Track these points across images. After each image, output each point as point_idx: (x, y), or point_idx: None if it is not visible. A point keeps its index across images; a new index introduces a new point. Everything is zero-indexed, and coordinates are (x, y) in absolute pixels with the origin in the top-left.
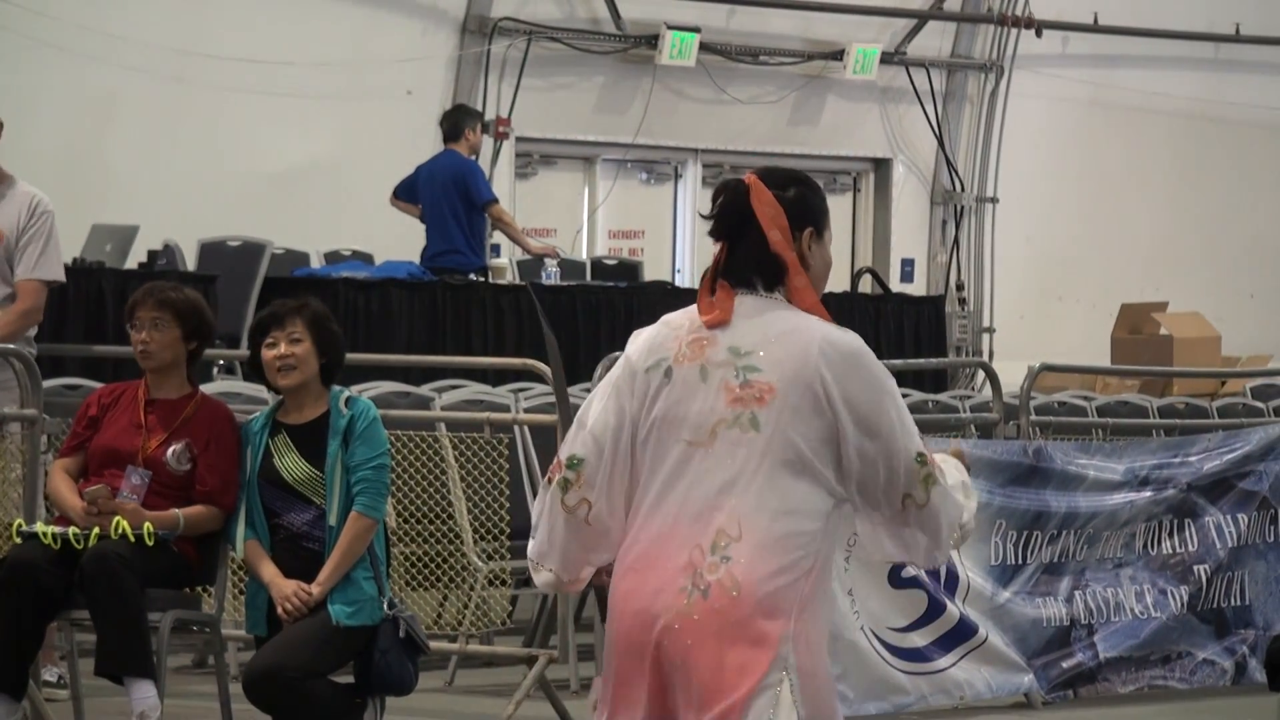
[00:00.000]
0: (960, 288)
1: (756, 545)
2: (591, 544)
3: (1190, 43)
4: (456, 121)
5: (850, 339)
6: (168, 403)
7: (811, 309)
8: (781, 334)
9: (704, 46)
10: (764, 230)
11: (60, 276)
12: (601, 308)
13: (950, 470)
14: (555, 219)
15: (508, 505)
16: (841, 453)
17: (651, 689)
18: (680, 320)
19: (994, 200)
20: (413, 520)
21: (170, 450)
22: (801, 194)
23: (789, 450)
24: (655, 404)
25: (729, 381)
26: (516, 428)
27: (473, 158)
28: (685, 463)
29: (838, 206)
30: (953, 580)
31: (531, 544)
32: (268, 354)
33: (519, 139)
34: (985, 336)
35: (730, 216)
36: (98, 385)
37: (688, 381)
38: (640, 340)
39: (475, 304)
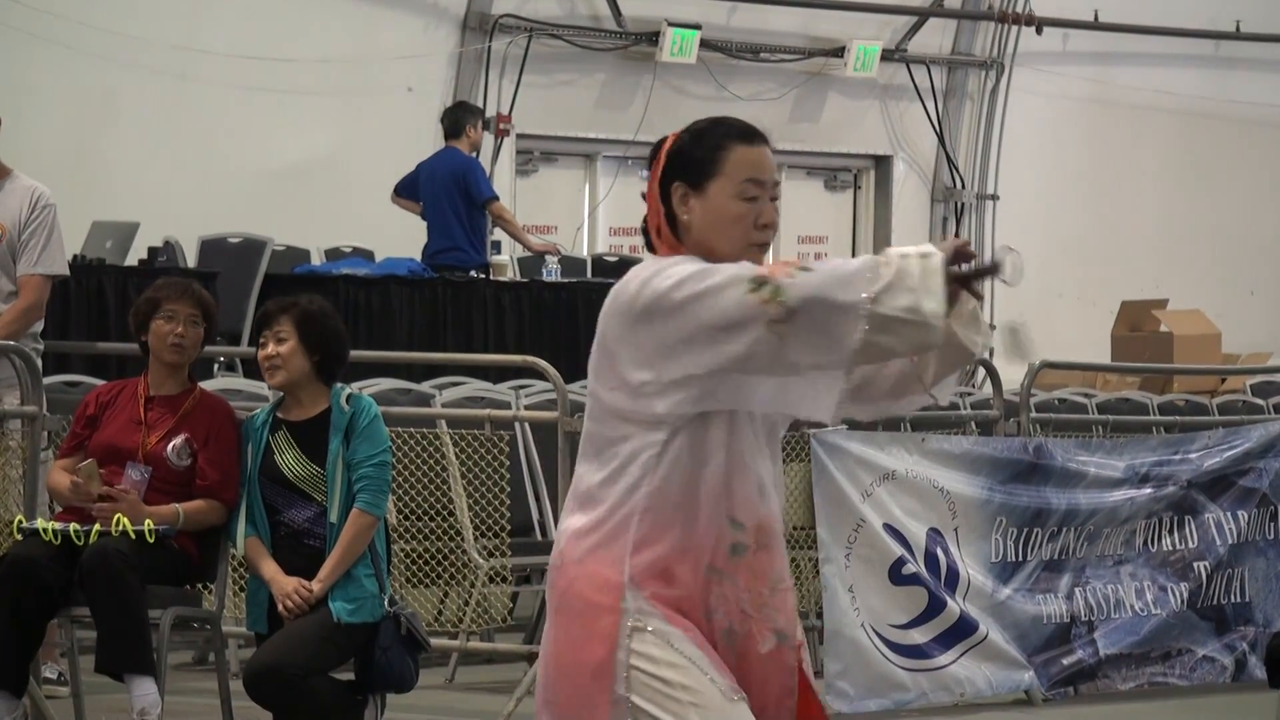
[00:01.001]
0: None
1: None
2: None
3: (1191, 40)
4: (457, 118)
5: (627, 279)
6: (167, 399)
7: None
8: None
9: (705, 44)
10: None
11: (64, 270)
12: (602, 305)
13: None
14: (556, 216)
15: (508, 502)
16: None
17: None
18: None
19: (994, 197)
20: (413, 517)
21: (170, 445)
22: (677, 146)
23: (590, 406)
24: None
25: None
26: (517, 425)
27: (473, 155)
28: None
29: (838, 204)
30: (953, 577)
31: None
32: (259, 354)
33: (520, 136)
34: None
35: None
36: (99, 382)
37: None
38: None
39: (476, 301)
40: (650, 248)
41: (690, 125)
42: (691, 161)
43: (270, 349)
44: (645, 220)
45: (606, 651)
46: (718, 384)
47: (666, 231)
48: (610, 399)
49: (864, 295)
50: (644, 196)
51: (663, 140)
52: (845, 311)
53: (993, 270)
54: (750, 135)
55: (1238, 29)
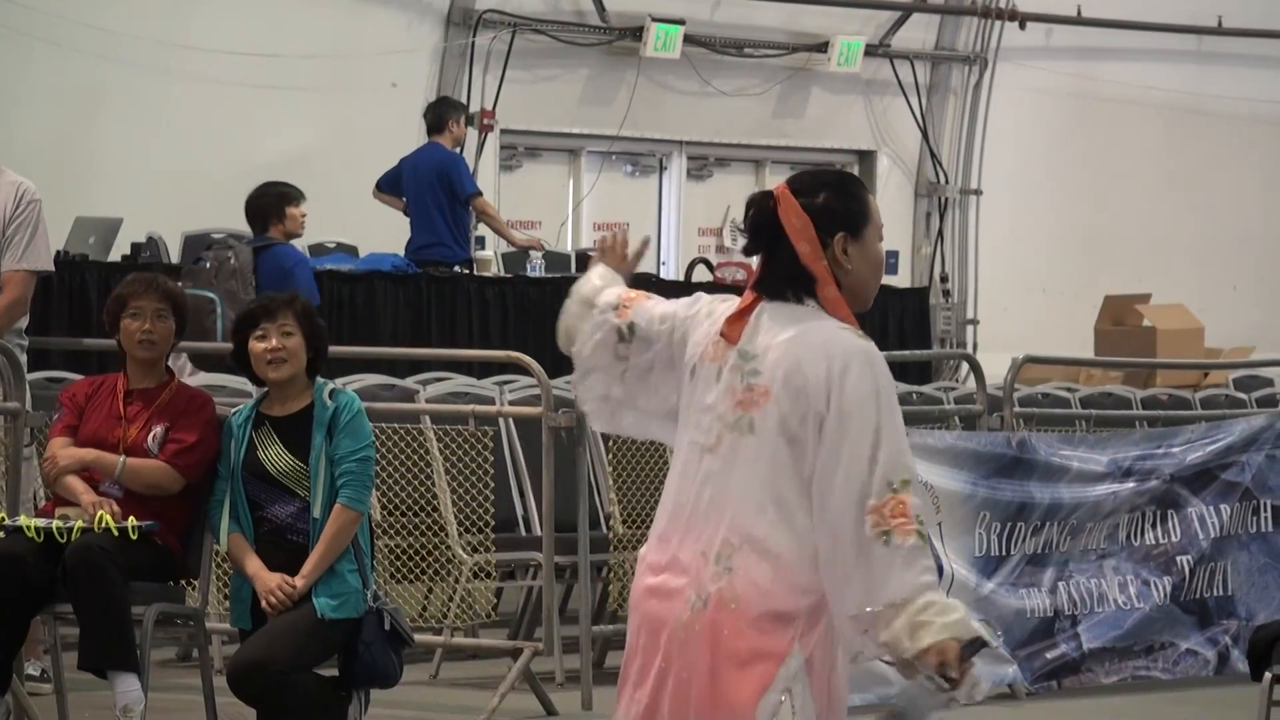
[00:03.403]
0: (944, 280)
1: (757, 555)
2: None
3: (1173, 35)
4: (440, 114)
5: (858, 342)
6: (145, 391)
7: (844, 320)
8: (790, 339)
9: (688, 39)
10: (793, 244)
11: (49, 266)
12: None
13: (944, 606)
14: (540, 211)
15: (492, 498)
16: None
17: (655, 686)
18: (719, 314)
19: (978, 192)
20: (397, 513)
21: (150, 435)
22: (830, 199)
23: (781, 454)
24: (683, 395)
25: (735, 385)
26: (501, 420)
27: (456, 150)
28: (696, 463)
29: None
30: (937, 572)
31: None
32: (258, 346)
33: (503, 131)
34: (969, 328)
35: (760, 231)
36: (81, 378)
37: (705, 380)
38: (698, 317)
39: (460, 296)
40: (796, 298)
41: (824, 177)
42: (849, 213)
43: (275, 342)
44: (771, 271)
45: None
46: None
47: (834, 285)
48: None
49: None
50: (747, 252)
51: (767, 199)
52: (893, 607)
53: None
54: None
55: (1220, 24)
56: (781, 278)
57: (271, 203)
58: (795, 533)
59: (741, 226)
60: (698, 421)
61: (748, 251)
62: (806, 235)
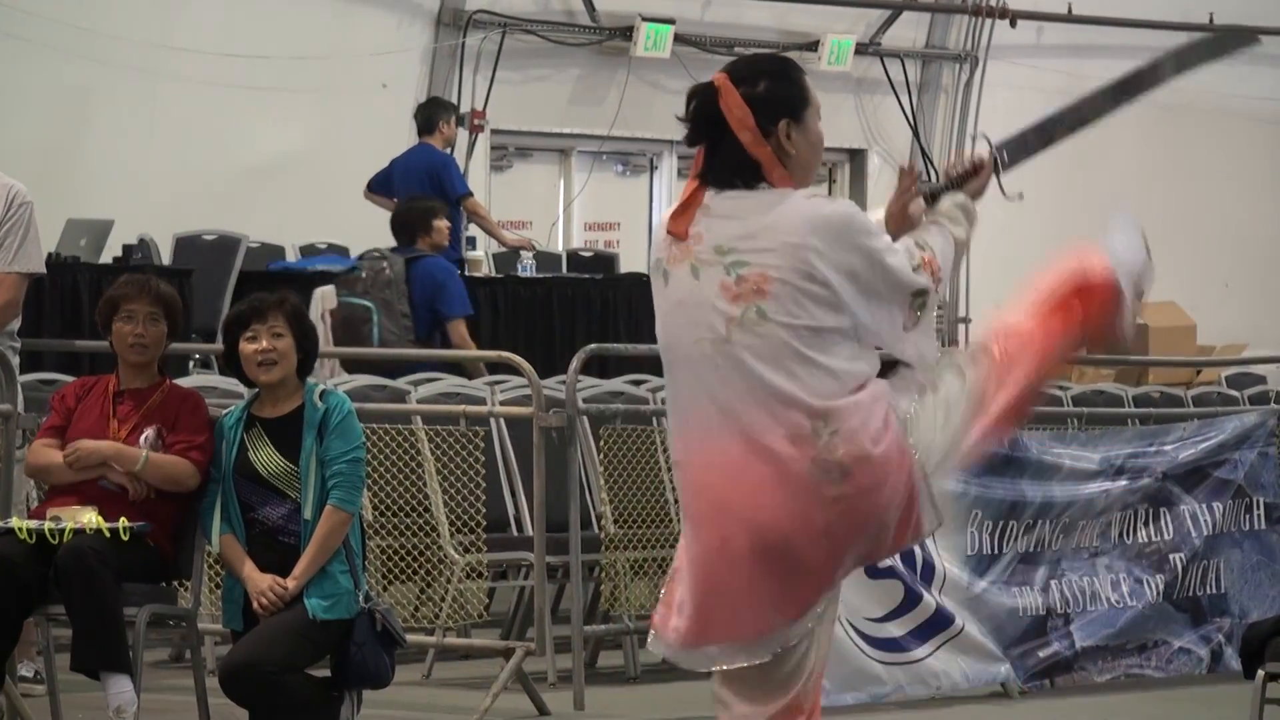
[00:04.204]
0: None
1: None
2: None
3: (1164, 32)
4: (431, 114)
5: (835, 208)
6: (137, 392)
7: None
8: (765, 227)
9: (679, 38)
10: (735, 133)
11: (40, 268)
12: (577, 300)
13: (935, 239)
14: (531, 211)
15: (484, 498)
16: (851, 314)
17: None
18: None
19: None
20: (389, 513)
21: (143, 436)
22: (771, 87)
23: (803, 331)
24: (661, 302)
25: (724, 280)
26: (492, 420)
27: (447, 151)
28: (708, 361)
29: None
30: (929, 570)
31: None
32: (248, 348)
33: (494, 131)
34: (961, 326)
35: (701, 123)
36: (73, 380)
37: (682, 281)
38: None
39: None
40: (745, 185)
41: (760, 63)
42: (789, 98)
43: (266, 344)
44: (716, 163)
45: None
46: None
47: (781, 168)
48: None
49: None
50: (689, 143)
51: (709, 91)
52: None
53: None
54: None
55: (1211, 21)
56: (728, 167)
57: (418, 216)
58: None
59: (680, 117)
60: (694, 319)
61: (689, 142)
62: (748, 124)
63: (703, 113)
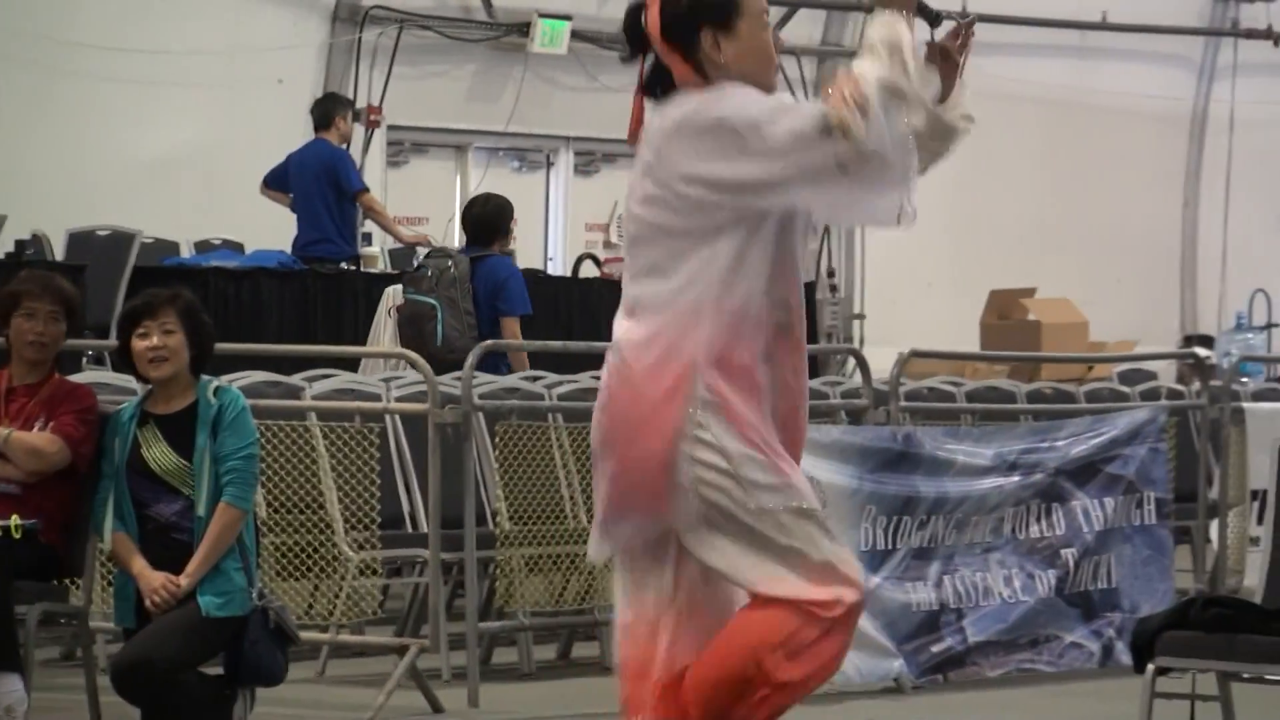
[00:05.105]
0: (831, 275)
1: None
2: None
3: (1057, 30)
4: (327, 110)
5: (682, 106)
6: (29, 387)
7: None
8: (653, 129)
9: (575, 34)
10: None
11: None
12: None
13: (868, 68)
14: (427, 207)
15: (379, 495)
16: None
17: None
18: None
19: None
20: (283, 510)
21: (34, 429)
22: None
23: (647, 227)
24: None
25: (634, 181)
26: (387, 417)
27: (343, 146)
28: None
29: None
30: None
31: None
32: (139, 344)
33: (390, 127)
34: (856, 323)
35: (631, 37)
36: None
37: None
38: None
39: (346, 293)
40: (662, 94)
41: None
42: (715, 5)
43: (156, 340)
44: (648, 80)
45: (671, 443)
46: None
47: (698, 79)
48: (665, 215)
49: (913, 158)
50: (626, 59)
51: (637, 5)
52: (903, 170)
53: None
54: None
55: (1104, 19)
56: (651, 79)
57: (500, 218)
58: (662, 285)
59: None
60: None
61: (626, 60)
62: (656, 36)
63: (630, 26)
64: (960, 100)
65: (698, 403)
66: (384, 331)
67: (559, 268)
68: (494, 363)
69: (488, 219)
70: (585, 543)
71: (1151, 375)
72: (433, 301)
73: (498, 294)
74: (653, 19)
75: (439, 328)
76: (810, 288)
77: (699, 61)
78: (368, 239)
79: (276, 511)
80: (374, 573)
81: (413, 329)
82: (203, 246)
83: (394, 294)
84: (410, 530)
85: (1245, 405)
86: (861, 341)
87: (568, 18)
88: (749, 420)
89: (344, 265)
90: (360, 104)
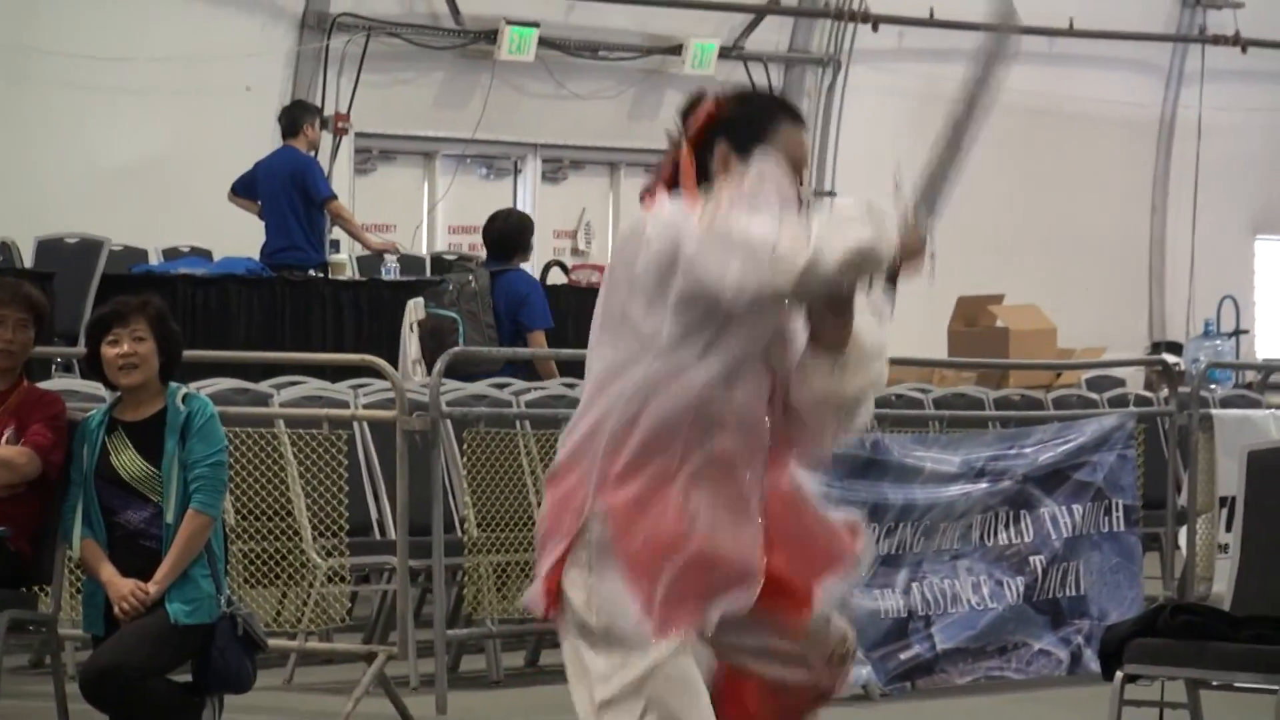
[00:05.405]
0: None
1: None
2: None
3: (1024, 36)
4: (294, 117)
5: (637, 216)
6: None
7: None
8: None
9: (543, 42)
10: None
11: None
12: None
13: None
14: (395, 214)
15: (346, 502)
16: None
17: None
18: None
19: (832, 194)
20: (251, 517)
21: (4, 437)
22: (731, 107)
23: (597, 329)
24: None
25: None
26: (355, 424)
27: (311, 154)
28: None
29: None
30: None
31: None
32: (109, 351)
33: (358, 134)
34: None
35: (683, 120)
36: None
37: None
38: None
39: (314, 300)
40: (649, 193)
41: (738, 91)
42: (742, 128)
43: (127, 347)
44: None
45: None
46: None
47: (692, 183)
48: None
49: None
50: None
51: (698, 96)
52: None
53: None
54: (797, 117)
55: (1071, 26)
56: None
57: (521, 235)
58: (600, 387)
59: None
60: None
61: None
62: (695, 130)
63: (685, 110)
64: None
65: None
66: (410, 345)
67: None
68: (514, 374)
69: (510, 234)
70: None
71: (1120, 382)
72: (453, 315)
73: (519, 308)
74: (705, 111)
75: (459, 340)
76: None
77: (707, 167)
78: (336, 246)
79: (245, 519)
80: (342, 580)
81: (434, 342)
82: (171, 254)
83: (416, 307)
84: (378, 537)
85: (1214, 412)
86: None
87: (535, 25)
88: (639, 555)
89: (312, 272)
90: (328, 111)
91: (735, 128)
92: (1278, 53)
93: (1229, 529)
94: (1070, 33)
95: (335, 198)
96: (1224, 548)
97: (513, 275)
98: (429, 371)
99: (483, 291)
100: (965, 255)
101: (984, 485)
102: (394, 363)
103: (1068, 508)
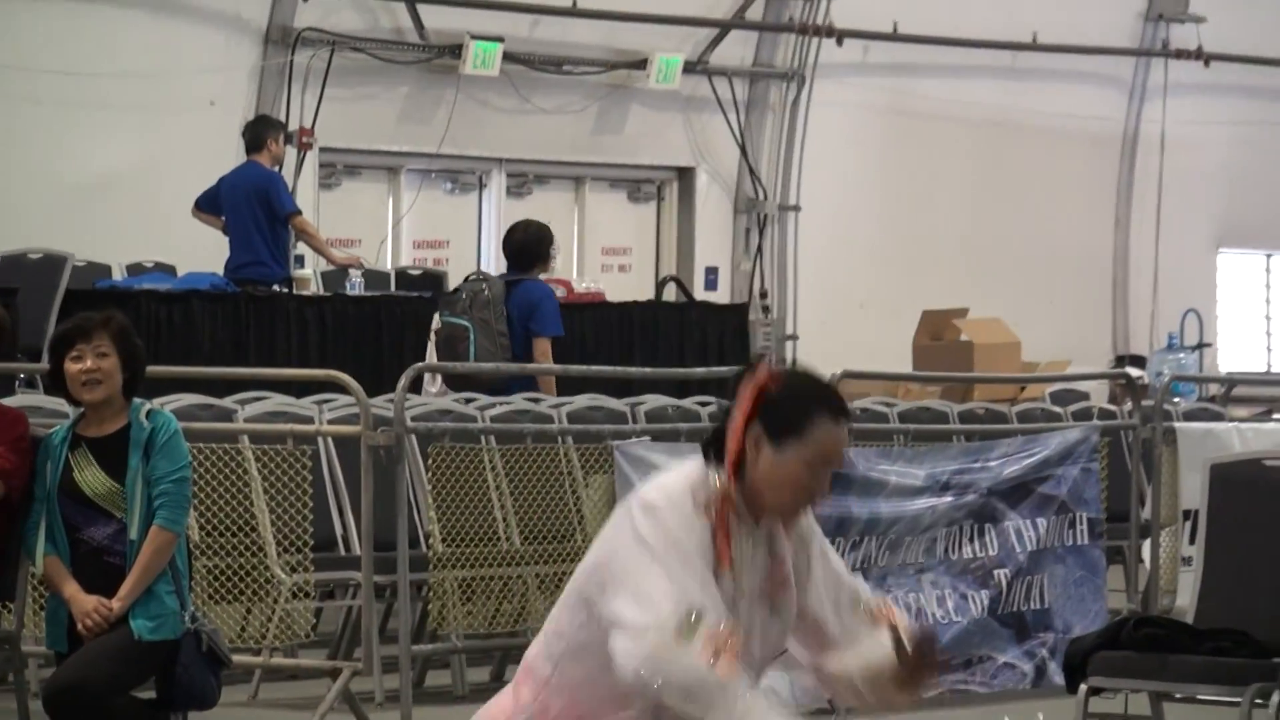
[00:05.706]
0: (764, 295)
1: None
2: None
3: (988, 51)
4: (258, 132)
5: (641, 493)
6: None
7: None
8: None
9: (507, 56)
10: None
11: None
12: (406, 318)
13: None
14: (359, 229)
15: (311, 517)
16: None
17: None
18: None
19: (796, 208)
20: (215, 533)
21: None
22: (775, 393)
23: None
24: None
25: None
26: (320, 439)
27: (275, 168)
28: None
29: (642, 215)
30: None
31: None
32: (72, 367)
33: (323, 149)
34: (789, 344)
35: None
36: None
37: None
38: None
39: (279, 315)
40: (717, 457)
41: (791, 373)
42: (778, 415)
43: (90, 363)
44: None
45: None
46: None
47: (733, 462)
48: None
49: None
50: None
51: (751, 367)
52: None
53: None
54: (840, 414)
55: (1034, 40)
56: (714, 436)
57: (540, 245)
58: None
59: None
60: None
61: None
62: (741, 408)
63: (734, 376)
64: None
65: None
66: (429, 356)
67: None
68: (525, 387)
69: (528, 245)
70: (518, 565)
71: (1084, 395)
72: (466, 323)
73: (531, 315)
74: (757, 384)
75: (470, 347)
76: (743, 309)
77: (742, 446)
78: (300, 261)
79: (209, 534)
80: (307, 595)
81: (448, 350)
82: (135, 269)
83: (436, 318)
84: (343, 553)
85: (1177, 425)
86: (795, 362)
87: (500, 39)
88: None
89: (276, 287)
90: (292, 126)
91: (773, 412)
92: (1240, 67)
93: (1192, 542)
94: (1034, 47)
95: (300, 213)
96: (1187, 560)
97: (528, 284)
98: (443, 382)
99: (496, 300)
100: (930, 269)
101: (949, 499)
102: (379, 377)
103: (1032, 521)
